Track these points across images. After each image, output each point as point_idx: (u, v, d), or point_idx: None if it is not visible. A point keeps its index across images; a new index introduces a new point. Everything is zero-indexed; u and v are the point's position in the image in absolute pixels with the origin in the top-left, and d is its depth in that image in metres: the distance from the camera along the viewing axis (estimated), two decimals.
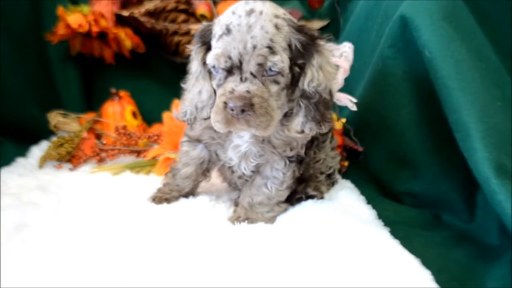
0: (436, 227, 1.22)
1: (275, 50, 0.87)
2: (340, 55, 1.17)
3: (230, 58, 0.87)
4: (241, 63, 0.87)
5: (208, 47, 0.96)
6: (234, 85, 0.88)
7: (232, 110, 0.86)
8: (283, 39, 0.89)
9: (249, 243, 0.97)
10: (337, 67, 1.21)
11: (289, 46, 0.91)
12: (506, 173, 0.91)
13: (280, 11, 0.94)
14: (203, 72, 0.99)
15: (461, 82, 1.02)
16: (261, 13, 0.89)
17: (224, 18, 0.91)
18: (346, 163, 1.56)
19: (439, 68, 1.06)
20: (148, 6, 1.75)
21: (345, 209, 1.16)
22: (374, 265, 0.87)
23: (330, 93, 0.98)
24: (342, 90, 1.32)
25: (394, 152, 1.36)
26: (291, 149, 1.07)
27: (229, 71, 0.90)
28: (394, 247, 0.97)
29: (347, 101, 1.18)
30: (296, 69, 0.94)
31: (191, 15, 1.92)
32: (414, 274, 0.84)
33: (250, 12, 0.88)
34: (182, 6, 1.89)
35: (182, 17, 1.88)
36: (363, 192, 1.35)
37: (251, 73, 0.88)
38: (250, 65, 0.87)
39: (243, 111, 0.86)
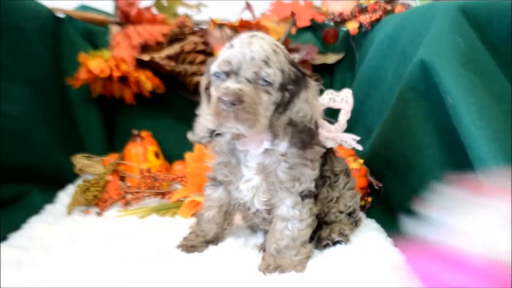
0: None
1: (270, 65, 0.98)
2: (341, 100, 1.22)
3: (230, 63, 0.98)
4: (239, 69, 0.97)
5: None
6: (230, 84, 0.97)
7: (224, 103, 0.94)
8: (277, 61, 1.00)
9: None
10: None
11: (282, 71, 1.01)
12: None
13: (280, 45, 1.05)
14: (204, 96, 1.11)
15: (485, 130, 1.03)
16: (262, 38, 1.01)
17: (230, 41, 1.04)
18: (370, 199, 1.57)
19: (462, 115, 1.08)
20: (169, 51, 1.80)
21: (374, 254, 1.16)
22: None
23: (316, 124, 1.07)
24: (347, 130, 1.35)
25: (416, 192, 1.36)
26: (300, 184, 1.11)
27: (227, 75, 0.99)
28: None
29: (352, 140, 1.21)
30: (286, 94, 1.03)
31: (209, 55, 1.95)
32: None
33: (253, 36, 1.01)
34: (200, 47, 1.93)
35: (200, 58, 1.93)
36: (387, 230, 1.36)
37: (247, 79, 0.97)
38: (247, 72, 0.97)
39: (233, 104, 0.93)
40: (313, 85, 1.09)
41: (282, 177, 1.09)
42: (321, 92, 1.20)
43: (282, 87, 1.02)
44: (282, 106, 1.04)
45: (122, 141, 1.94)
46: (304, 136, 1.05)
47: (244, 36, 1.02)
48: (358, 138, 1.21)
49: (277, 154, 1.08)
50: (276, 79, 0.99)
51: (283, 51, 1.05)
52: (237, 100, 0.94)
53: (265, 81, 0.98)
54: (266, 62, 0.97)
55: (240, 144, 1.11)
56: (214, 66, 1.01)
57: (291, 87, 1.03)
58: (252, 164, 1.11)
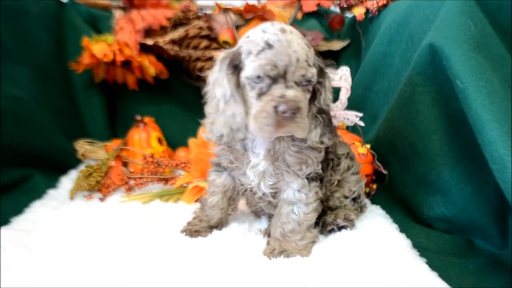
0: (469, 254, 1.21)
1: (310, 63, 0.97)
2: (339, 78, 1.20)
3: (276, 67, 0.93)
4: (285, 73, 0.94)
5: (239, 71, 1.00)
6: (282, 91, 0.94)
7: (284, 112, 0.92)
8: (312, 56, 0.99)
9: (286, 279, 0.97)
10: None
11: (314, 65, 1.00)
12: None
13: (303, 36, 1.02)
14: (236, 96, 1.01)
15: (495, 114, 1.01)
16: (291, 32, 0.97)
17: (257, 36, 0.97)
18: (374, 186, 1.56)
19: (472, 98, 1.06)
20: (173, 35, 1.78)
21: (380, 239, 1.16)
22: None
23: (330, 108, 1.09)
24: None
25: (423, 177, 1.36)
26: (307, 166, 1.09)
27: (274, 80, 0.94)
28: (434, 280, 0.98)
29: (354, 117, 1.20)
30: (317, 86, 1.02)
31: (213, 40, 1.94)
32: None
33: (283, 31, 0.96)
34: (204, 32, 1.91)
35: (204, 43, 1.91)
36: (393, 217, 1.36)
37: (295, 82, 0.95)
38: (295, 76, 0.94)
39: (294, 113, 0.92)
40: (329, 72, 1.08)
41: (290, 160, 1.08)
42: None
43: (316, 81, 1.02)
44: (311, 97, 1.03)
45: (124, 127, 1.93)
46: (330, 122, 1.06)
47: (273, 30, 0.96)
48: (360, 114, 1.19)
49: (313, 143, 1.05)
50: (316, 77, 0.99)
51: (306, 42, 1.01)
52: (296, 108, 0.92)
53: (309, 81, 0.97)
54: (308, 62, 0.96)
55: (251, 133, 1.06)
56: (255, 68, 0.94)
57: (320, 79, 1.03)
58: (260, 150, 1.09)
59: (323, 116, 1.05)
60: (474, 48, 1.12)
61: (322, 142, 1.06)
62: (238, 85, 1.01)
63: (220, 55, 1.05)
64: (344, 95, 1.21)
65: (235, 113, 1.02)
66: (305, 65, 0.94)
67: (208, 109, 1.08)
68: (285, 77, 0.94)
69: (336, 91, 1.27)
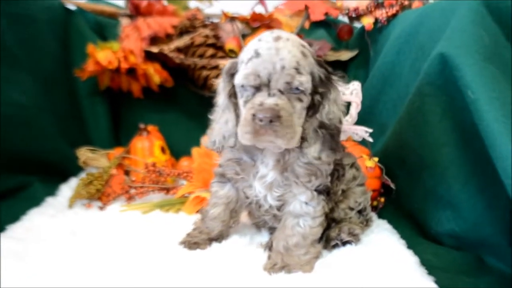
0: (480, 273, 1.16)
1: (301, 71, 0.93)
2: (350, 93, 1.18)
3: (259, 76, 0.93)
4: (269, 81, 0.93)
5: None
6: (263, 99, 0.92)
7: (261, 120, 0.90)
8: (307, 65, 0.96)
9: None
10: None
11: (312, 74, 0.97)
12: None
13: (306, 44, 1.00)
14: (229, 104, 1.04)
15: (508, 126, 0.97)
16: (287, 39, 0.95)
17: (252, 45, 0.97)
18: (382, 199, 1.52)
19: (484, 110, 1.02)
20: (178, 43, 1.76)
21: (386, 255, 1.11)
22: None
23: (340, 122, 1.04)
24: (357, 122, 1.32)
25: (432, 191, 1.31)
26: (316, 178, 1.06)
27: (257, 89, 0.94)
28: None
29: (364, 132, 1.17)
30: (317, 97, 0.99)
31: (219, 49, 1.92)
32: None
33: (278, 38, 0.95)
34: (210, 41, 1.90)
35: (210, 51, 1.89)
36: (400, 232, 1.31)
37: (279, 90, 0.93)
38: (279, 83, 0.92)
39: (271, 121, 0.90)
40: (338, 84, 1.04)
41: (299, 171, 1.05)
42: None
43: (313, 91, 0.98)
44: (312, 109, 1.00)
45: (128, 135, 1.92)
46: (336, 138, 1.02)
47: (268, 38, 0.96)
48: (370, 130, 1.16)
49: (311, 158, 1.03)
50: (308, 86, 0.95)
51: (310, 51, 0.99)
52: (275, 116, 0.89)
53: (298, 89, 0.94)
54: (297, 69, 0.93)
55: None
56: (240, 78, 0.95)
57: (321, 89, 0.99)
58: (269, 160, 1.06)
59: (323, 131, 1.01)
60: (486, 58, 1.09)
61: (319, 158, 1.03)
62: (235, 93, 1.02)
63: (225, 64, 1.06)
64: (354, 109, 1.19)
65: (227, 120, 1.05)
66: (292, 72, 0.92)
67: (212, 116, 1.10)
68: (269, 85, 0.93)
69: (347, 106, 1.24)
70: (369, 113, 1.73)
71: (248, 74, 0.93)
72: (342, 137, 1.14)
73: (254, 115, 0.91)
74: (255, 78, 0.93)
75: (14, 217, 1.30)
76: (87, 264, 1.05)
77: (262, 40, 0.95)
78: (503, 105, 1.01)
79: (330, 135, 1.01)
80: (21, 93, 1.52)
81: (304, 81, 0.93)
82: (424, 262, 1.12)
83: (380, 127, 1.64)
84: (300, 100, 0.96)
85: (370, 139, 1.21)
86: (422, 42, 1.45)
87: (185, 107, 2.09)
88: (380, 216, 1.46)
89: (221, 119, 1.06)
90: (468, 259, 1.22)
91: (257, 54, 0.93)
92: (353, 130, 1.17)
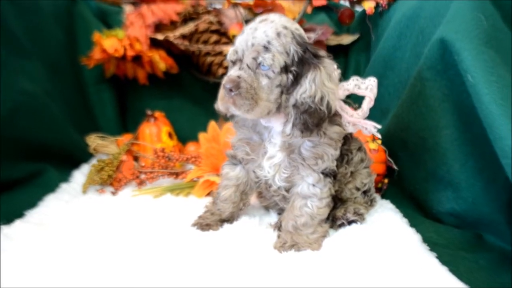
0: (480, 249, 1.21)
1: (269, 49, 1.00)
2: (366, 88, 1.21)
3: (237, 52, 1.04)
4: (243, 57, 1.03)
5: None
6: (233, 72, 1.03)
7: (225, 90, 1.01)
8: (280, 44, 1.01)
9: (296, 273, 0.98)
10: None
11: (287, 53, 1.02)
12: None
13: (293, 26, 1.06)
14: None
15: (506, 109, 1.01)
16: (272, 21, 1.03)
17: (246, 27, 1.07)
18: (386, 181, 1.56)
19: (483, 93, 1.05)
20: (183, 30, 1.78)
21: (390, 233, 1.17)
22: None
23: (328, 106, 1.04)
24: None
25: (433, 172, 1.36)
26: (322, 162, 1.11)
27: (234, 63, 1.05)
28: (444, 275, 0.97)
29: (372, 128, 1.20)
30: (290, 76, 1.03)
31: (223, 35, 1.94)
32: None
33: (263, 20, 1.04)
34: (214, 27, 1.92)
35: (214, 37, 1.91)
36: (402, 211, 1.36)
37: (247, 65, 1.02)
38: (247, 59, 1.02)
39: (231, 90, 0.99)
40: (328, 66, 1.06)
41: (305, 154, 1.11)
42: (344, 77, 1.18)
43: (286, 69, 1.03)
44: (289, 88, 1.05)
45: (135, 122, 1.95)
46: (308, 118, 1.03)
47: (257, 20, 1.05)
48: (379, 126, 1.20)
49: (284, 135, 1.09)
50: (275, 63, 1.00)
51: (294, 32, 1.04)
52: (234, 86, 0.99)
53: (264, 65, 1.01)
54: (266, 47, 1.00)
55: (264, 120, 1.12)
56: (228, 55, 1.07)
57: (294, 68, 1.03)
58: (276, 140, 1.12)
59: (294, 111, 1.04)
60: (485, 42, 1.12)
61: (289, 135, 1.07)
62: None
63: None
64: (366, 104, 1.21)
65: None
66: (260, 49, 1.00)
67: None
68: (242, 60, 1.03)
69: (358, 99, 1.27)
70: None
71: (232, 50, 1.06)
72: (352, 129, 1.18)
73: (223, 84, 1.02)
74: (234, 53, 1.05)
75: (32, 203, 1.33)
76: (103, 247, 1.09)
77: (254, 22, 1.05)
78: (501, 88, 1.04)
79: (309, 113, 1.03)
80: (30, 82, 1.54)
81: (268, 58, 0.99)
82: (426, 240, 1.16)
83: (382, 110, 1.68)
84: (268, 76, 1.02)
85: (379, 135, 1.25)
86: (423, 26, 1.47)
87: (190, 93, 2.12)
88: (383, 196, 1.51)
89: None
90: (468, 236, 1.27)
91: (241, 34, 1.05)
92: (363, 124, 1.19)
